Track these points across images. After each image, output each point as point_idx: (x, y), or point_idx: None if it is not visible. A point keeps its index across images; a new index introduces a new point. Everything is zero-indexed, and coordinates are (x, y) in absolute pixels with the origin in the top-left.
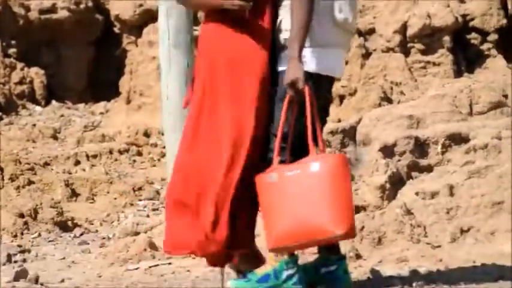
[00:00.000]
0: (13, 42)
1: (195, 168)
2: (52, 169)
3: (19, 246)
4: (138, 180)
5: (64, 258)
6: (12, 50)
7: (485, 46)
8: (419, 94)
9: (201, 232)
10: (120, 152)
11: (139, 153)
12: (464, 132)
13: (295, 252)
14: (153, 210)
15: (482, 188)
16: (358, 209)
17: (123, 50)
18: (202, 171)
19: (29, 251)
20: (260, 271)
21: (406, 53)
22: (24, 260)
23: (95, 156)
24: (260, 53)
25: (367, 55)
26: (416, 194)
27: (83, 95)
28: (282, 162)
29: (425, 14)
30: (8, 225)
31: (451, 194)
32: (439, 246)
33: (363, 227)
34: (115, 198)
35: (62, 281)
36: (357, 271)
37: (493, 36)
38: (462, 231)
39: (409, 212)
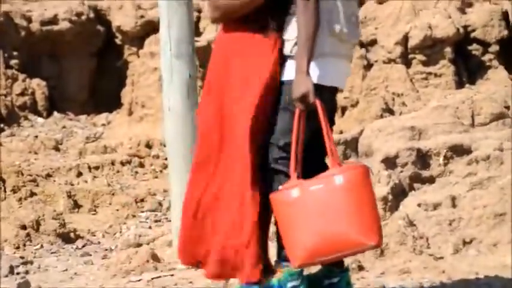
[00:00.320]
0: (15, 53)
1: (210, 184)
2: (54, 180)
3: (21, 257)
4: (140, 191)
5: (66, 269)
6: (14, 61)
7: (486, 57)
8: (421, 105)
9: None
10: (122, 164)
11: (142, 165)
12: (466, 144)
13: None
14: (156, 221)
15: (485, 200)
16: None
17: (124, 61)
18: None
19: (31, 262)
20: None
21: (408, 64)
22: (27, 272)
23: (97, 168)
24: (268, 63)
25: (368, 66)
26: (419, 205)
27: (85, 106)
28: (286, 174)
29: (427, 25)
30: (10, 237)
31: (454, 206)
32: (441, 258)
33: None
34: (117, 210)
35: None
36: (360, 282)
37: (495, 47)
38: (465, 243)
39: (411, 224)
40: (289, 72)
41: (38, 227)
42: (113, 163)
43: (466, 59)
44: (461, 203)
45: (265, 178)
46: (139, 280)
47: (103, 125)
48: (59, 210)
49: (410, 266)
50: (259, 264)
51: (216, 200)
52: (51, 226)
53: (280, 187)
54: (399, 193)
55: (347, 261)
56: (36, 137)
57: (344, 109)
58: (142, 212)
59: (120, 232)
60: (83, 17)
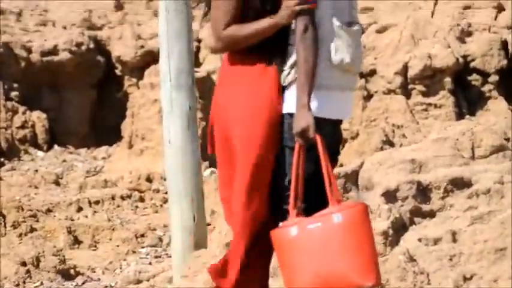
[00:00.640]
0: (15, 85)
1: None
2: (54, 216)
3: None
4: (141, 226)
5: None
6: (14, 93)
7: (486, 87)
8: (421, 137)
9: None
10: (123, 198)
11: (142, 199)
12: (466, 177)
13: None
14: (156, 257)
15: (485, 234)
16: None
17: (124, 92)
18: None
19: None
20: None
21: (407, 94)
22: None
23: (97, 203)
24: (271, 97)
25: (368, 97)
26: (419, 240)
27: (85, 139)
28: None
29: (426, 55)
30: (10, 274)
31: (454, 240)
32: None
33: None
34: (117, 246)
35: None
36: None
37: (494, 77)
38: (465, 279)
39: (412, 259)
40: (288, 104)
41: (38, 263)
42: (113, 197)
43: (465, 89)
44: (462, 237)
45: (277, 218)
46: None
47: (103, 158)
48: (59, 246)
49: None
50: None
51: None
52: (51, 262)
53: (280, 224)
54: (399, 227)
55: None
56: (37, 171)
57: (344, 141)
58: (143, 247)
59: (120, 268)
60: (83, 47)
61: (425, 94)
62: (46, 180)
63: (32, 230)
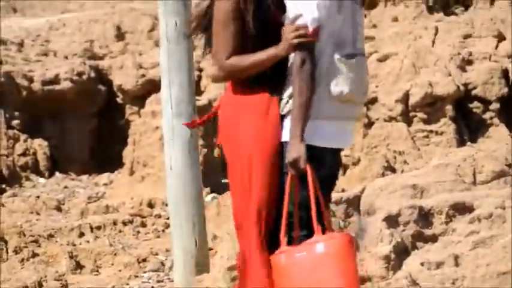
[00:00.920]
0: (16, 113)
1: None
2: (56, 241)
3: None
4: (143, 251)
5: None
6: (15, 122)
7: (487, 115)
8: (423, 163)
9: None
10: (124, 223)
11: (144, 224)
12: (468, 202)
13: None
14: (158, 282)
15: (487, 258)
16: (364, 280)
17: (126, 120)
18: None
19: None
20: None
21: (409, 122)
22: None
23: (99, 228)
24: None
25: (369, 124)
26: (422, 264)
27: (87, 166)
28: (290, 238)
29: (427, 82)
30: None
31: (457, 264)
32: None
33: None
34: (119, 270)
35: None
36: None
37: (495, 105)
38: None
39: (414, 283)
40: (286, 132)
41: None
42: (114, 223)
43: (466, 116)
44: (464, 261)
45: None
46: None
47: (105, 184)
48: (61, 271)
49: None
50: None
51: None
52: (53, 287)
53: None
54: (402, 252)
55: None
56: (38, 197)
57: (346, 167)
58: (145, 272)
59: None
60: (84, 77)
61: (426, 121)
62: (48, 206)
63: (34, 255)
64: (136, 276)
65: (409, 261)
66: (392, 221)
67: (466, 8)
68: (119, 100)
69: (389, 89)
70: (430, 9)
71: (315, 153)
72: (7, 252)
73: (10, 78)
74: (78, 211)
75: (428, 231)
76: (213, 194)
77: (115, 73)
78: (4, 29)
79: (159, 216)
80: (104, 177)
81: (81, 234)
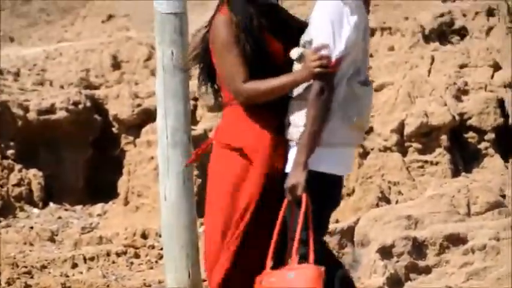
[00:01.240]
0: (11, 143)
1: None
2: (49, 272)
3: None
4: (136, 282)
5: None
6: (10, 152)
7: (482, 145)
8: (418, 194)
9: None
10: (118, 255)
11: (137, 255)
12: (462, 233)
13: None
14: None
15: None
16: None
17: (121, 150)
18: None
19: None
20: None
21: (404, 152)
22: None
23: (92, 259)
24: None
25: (364, 154)
26: None
27: (81, 196)
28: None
29: (423, 112)
30: None
31: None
32: None
33: None
34: None
35: None
36: None
37: (490, 135)
38: None
39: None
40: (290, 164)
41: None
42: (108, 254)
43: (461, 146)
44: None
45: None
46: None
47: (99, 215)
48: None
49: None
50: None
51: None
52: None
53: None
54: (395, 283)
55: None
56: (32, 228)
57: None
58: None
59: None
60: (80, 106)
61: (421, 151)
62: (41, 237)
63: (27, 286)
64: None
65: None
66: (386, 252)
67: (462, 37)
68: (114, 130)
69: (385, 119)
70: (426, 39)
71: (329, 180)
72: (0, 283)
73: (6, 107)
74: (72, 242)
75: (422, 263)
76: None
77: (111, 102)
78: (2, 58)
79: (153, 247)
80: (98, 207)
81: (74, 265)
